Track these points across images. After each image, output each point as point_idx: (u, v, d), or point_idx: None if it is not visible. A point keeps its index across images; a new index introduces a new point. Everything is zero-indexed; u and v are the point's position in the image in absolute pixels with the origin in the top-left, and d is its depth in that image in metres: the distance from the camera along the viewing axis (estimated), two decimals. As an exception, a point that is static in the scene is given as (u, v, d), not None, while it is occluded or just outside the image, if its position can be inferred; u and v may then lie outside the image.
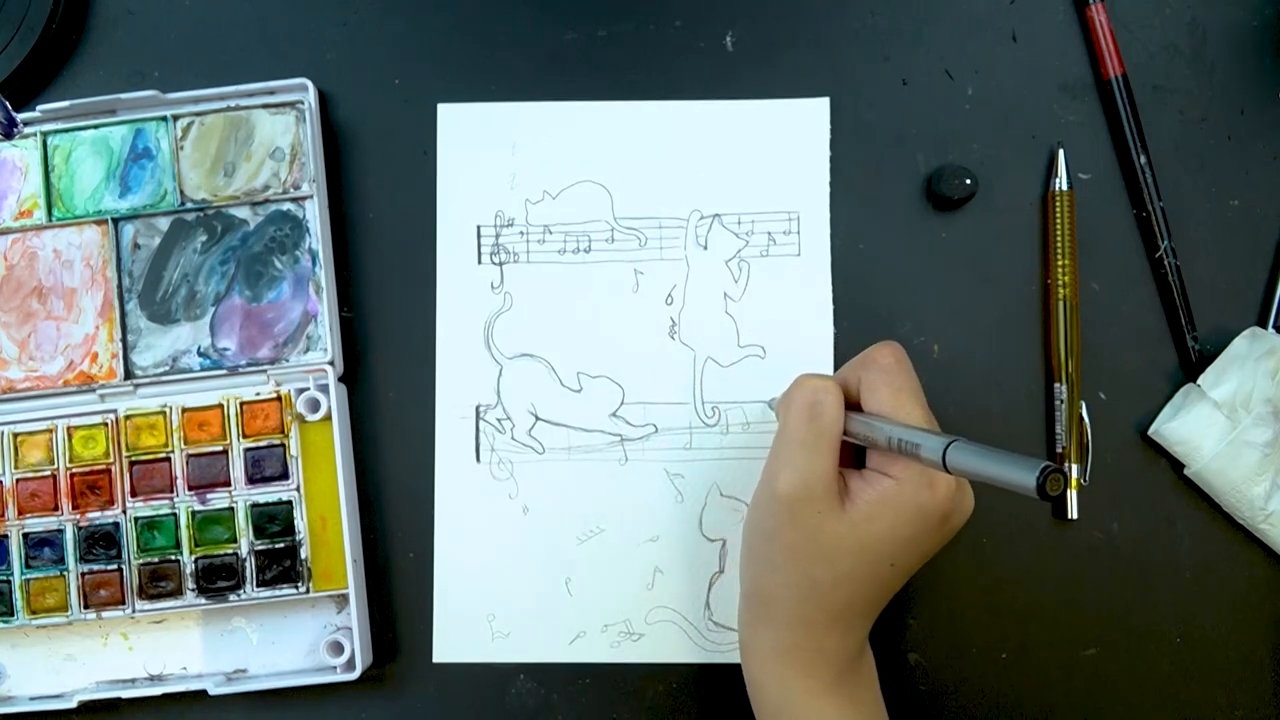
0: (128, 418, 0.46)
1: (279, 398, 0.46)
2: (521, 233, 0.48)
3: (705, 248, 0.48)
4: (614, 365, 0.47)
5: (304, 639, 0.47)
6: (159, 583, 0.46)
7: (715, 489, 0.47)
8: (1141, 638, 0.46)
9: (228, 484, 0.46)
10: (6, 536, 0.46)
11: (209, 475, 0.46)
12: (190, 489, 0.46)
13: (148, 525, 0.46)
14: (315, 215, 0.46)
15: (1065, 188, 0.47)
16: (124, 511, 0.46)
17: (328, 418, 0.45)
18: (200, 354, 0.47)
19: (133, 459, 0.46)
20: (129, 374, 0.46)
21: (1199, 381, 0.46)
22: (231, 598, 0.45)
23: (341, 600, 0.46)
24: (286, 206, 0.47)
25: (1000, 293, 0.47)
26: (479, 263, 0.48)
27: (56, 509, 0.46)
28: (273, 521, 0.46)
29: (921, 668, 0.46)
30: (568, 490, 0.47)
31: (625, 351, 0.47)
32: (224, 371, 0.46)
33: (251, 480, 0.46)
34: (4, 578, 0.46)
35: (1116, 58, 0.47)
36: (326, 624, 0.47)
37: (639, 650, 0.47)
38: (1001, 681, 0.44)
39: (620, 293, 0.48)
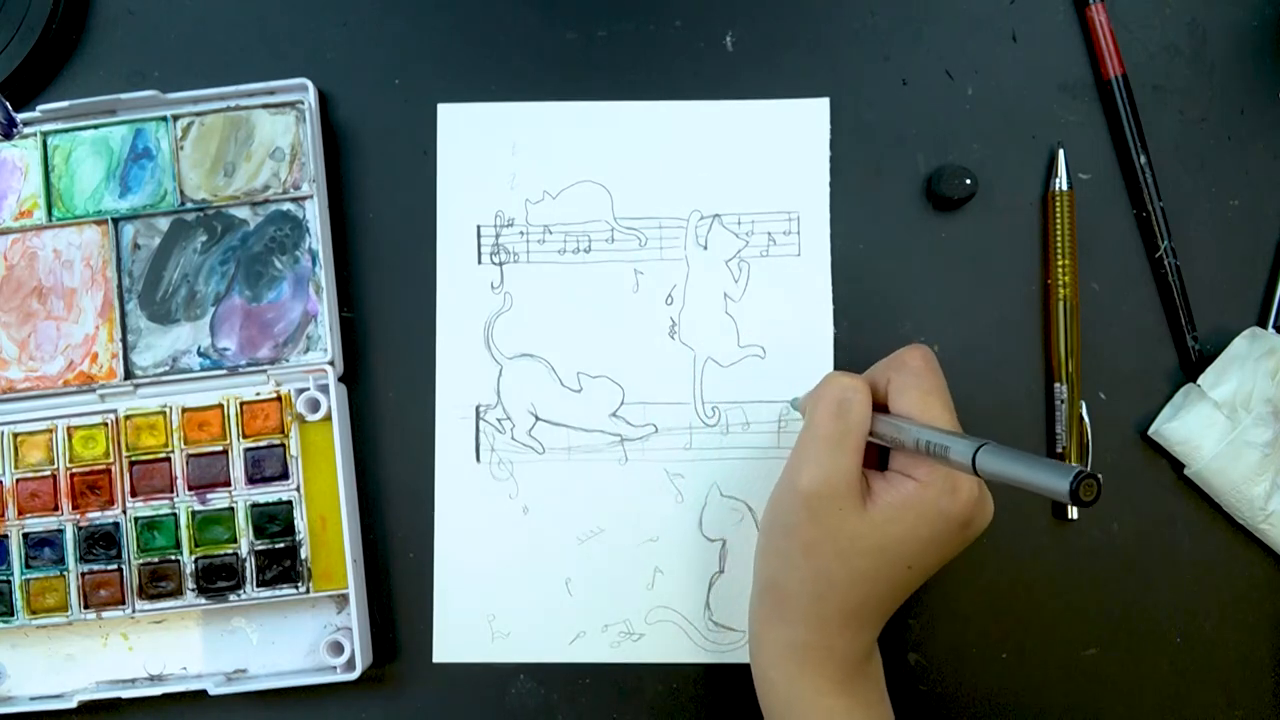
0: (128, 418, 0.46)
1: (279, 398, 0.46)
2: (521, 233, 0.48)
3: (705, 248, 0.48)
4: (614, 365, 0.47)
5: (304, 639, 0.47)
6: (159, 583, 0.46)
7: (715, 489, 0.47)
8: (1141, 638, 0.46)
9: (228, 484, 0.46)
10: (6, 536, 0.46)
11: (209, 475, 0.46)
12: (190, 489, 0.46)
13: (148, 525, 0.46)
14: (315, 215, 0.46)
15: (1065, 188, 0.47)
16: (124, 511, 0.46)
17: (328, 418, 0.46)
18: (200, 354, 0.47)
19: (133, 459, 0.46)
20: (129, 374, 0.46)
21: (1199, 381, 0.46)
22: (231, 598, 0.45)
23: (341, 600, 0.46)
24: (286, 206, 0.47)
25: (1000, 293, 0.47)
26: (479, 263, 0.48)
27: (56, 509, 0.46)
28: (273, 521, 0.46)
29: (921, 667, 0.46)
30: (568, 490, 0.47)
31: (625, 351, 0.47)
32: (224, 371, 0.46)
33: (251, 480, 0.46)
34: (4, 578, 0.46)
35: (1116, 58, 0.47)
36: (326, 624, 0.47)
37: (639, 650, 0.47)
38: (1001, 681, 0.44)
39: (620, 293, 0.48)
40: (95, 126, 0.47)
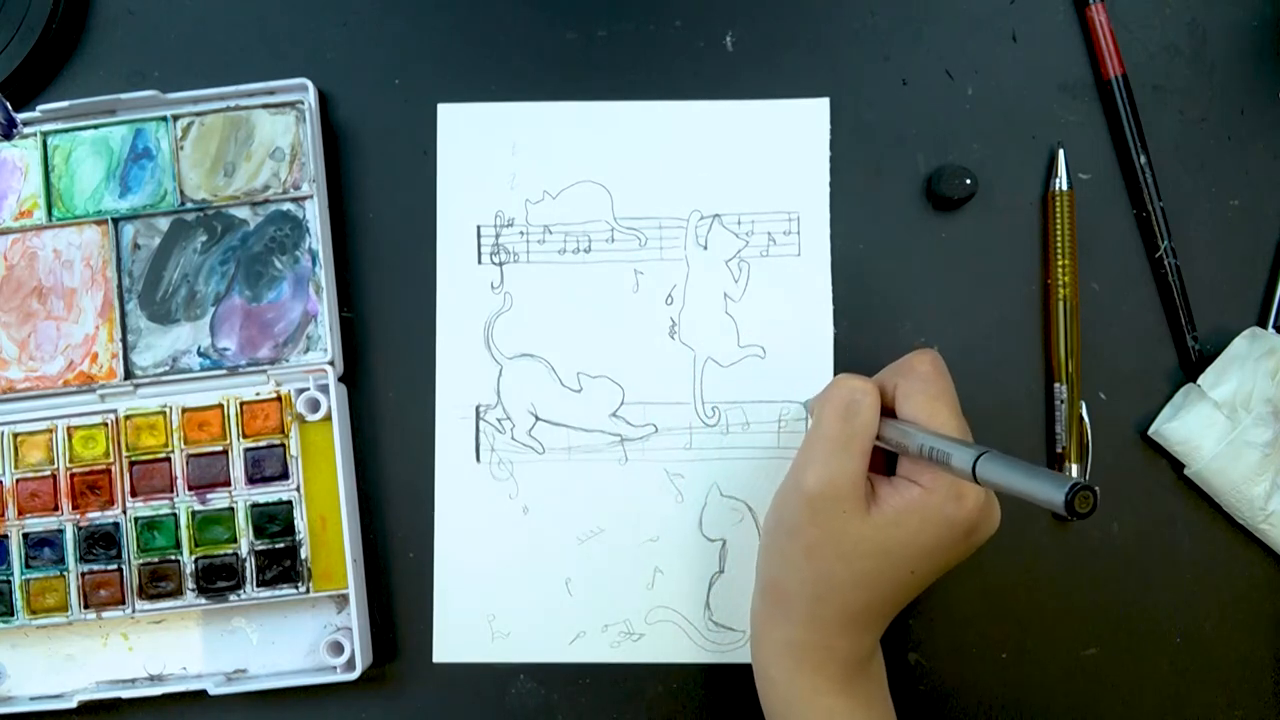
0: (128, 418, 0.46)
1: (279, 398, 0.46)
2: (521, 233, 0.48)
3: (705, 248, 0.48)
4: (614, 365, 0.47)
5: (304, 639, 0.47)
6: (159, 583, 0.46)
7: (715, 489, 0.47)
8: (1141, 638, 0.46)
9: (228, 484, 0.46)
10: (6, 536, 0.46)
11: (209, 475, 0.46)
12: (190, 489, 0.46)
13: (148, 525, 0.46)
14: (315, 215, 0.46)
15: (1065, 188, 0.47)
16: (124, 511, 0.46)
17: (328, 418, 0.45)
18: (200, 354, 0.47)
19: (133, 459, 0.46)
20: (129, 374, 0.46)
21: (1199, 381, 0.46)
22: (231, 598, 0.45)
23: (341, 600, 0.46)
24: (286, 206, 0.47)
25: (1000, 293, 0.47)
26: (479, 263, 0.48)
27: (56, 509, 0.46)
28: (273, 521, 0.46)
29: (921, 667, 0.46)
30: (568, 490, 0.47)
31: (625, 351, 0.47)
32: (224, 371, 0.46)
33: (251, 480, 0.46)
34: (4, 578, 0.46)
35: (1116, 58, 0.47)
36: (326, 624, 0.47)
37: (639, 650, 0.47)
38: (1001, 681, 0.44)
39: (620, 293, 0.48)
40: (95, 126, 0.47)
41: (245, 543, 0.46)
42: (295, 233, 0.47)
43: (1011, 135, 0.48)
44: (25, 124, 0.47)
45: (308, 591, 0.45)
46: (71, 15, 0.48)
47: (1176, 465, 0.46)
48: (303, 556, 0.45)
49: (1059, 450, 0.46)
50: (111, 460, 0.46)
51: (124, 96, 0.46)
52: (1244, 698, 0.46)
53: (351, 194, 0.48)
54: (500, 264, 0.48)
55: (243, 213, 0.47)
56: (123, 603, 0.46)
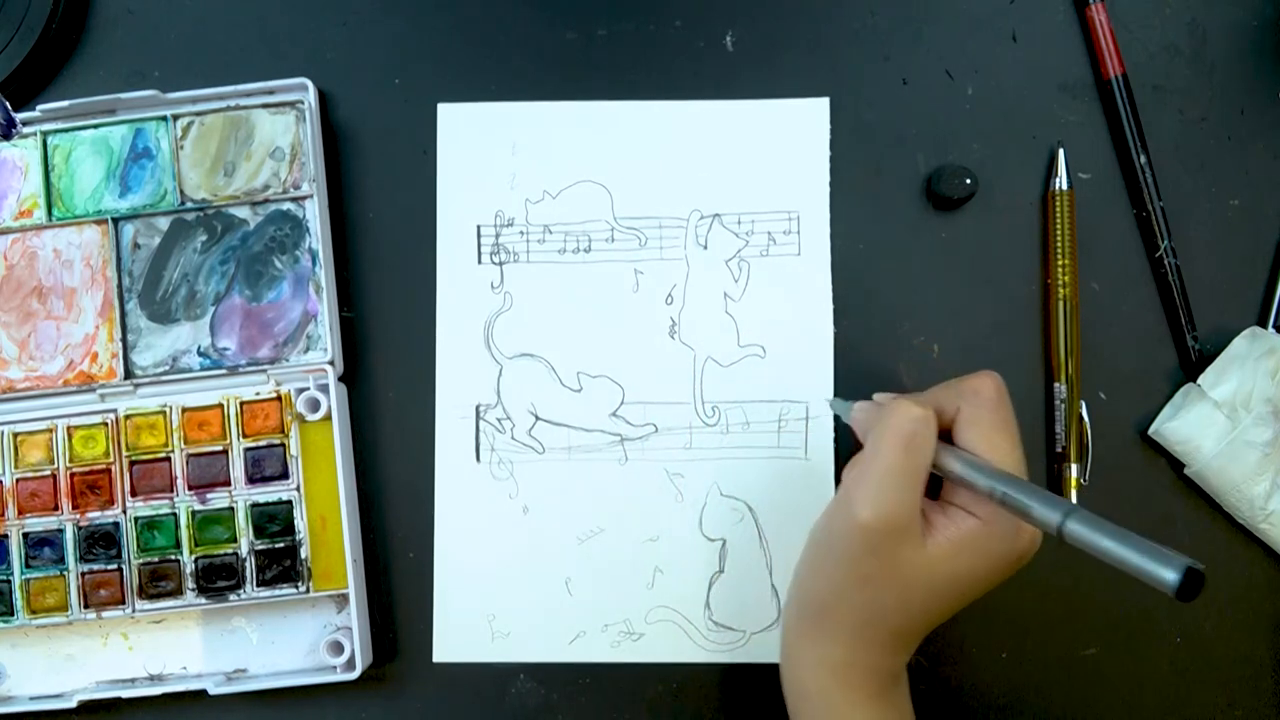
0: (128, 417, 0.46)
1: (279, 397, 0.46)
2: (521, 232, 0.48)
3: (705, 248, 0.48)
4: (614, 365, 0.47)
5: (304, 639, 0.47)
6: (159, 582, 0.46)
7: (715, 489, 0.47)
8: (1141, 638, 0.46)
9: (228, 484, 0.46)
10: (6, 536, 0.46)
11: (209, 475, 0.46)
12: (190, 489, 0.46)
13: (148, 525, 0.46)
14: (315, 215, 0.46)
15: (1065, 188, 0.47)
16: (124, 511, 0.46)
17: (328, 418, 0.46)
18: (200, 354, 0.47)
19: (133, 459, 0.46)
20: (129, 374, 0.46)
21: (1199, 381, 0.46)
22: (231, 597, 0.45)
23: (341, 600, 0.46)
24: (286, 206, 0.47)
25: (1000, 293, 0.47)
26: (479, 263, 0.48)
27: (56, 509, 0.46)
28: (273, 521, 0.46)
29: (922, 667, 0.46)
30: (568, 490, 0.47)
31: (625, 351, 0.47)
32: (224, 371, 0.46)
33: (251, 480, 0.46)
34: (4, 577, 0.46)
35: (1116, 58, 0.47)
36: (326, 624, 0.47)
37: (639, 650, 0.47)
38: (1001, 681, 0.44)
39: (620, 293, 0.48)
40: (95, 126, 0.47)
41: (245, 542, 0.46)
42: (295, 232, 0.47)
43: (1011, 135, 0.48)
44: (25, 124, 0.47)
45: (308, 591, 0.45)
46: (71, 15, 0.48)
47: (1176, 465, 0.46)
48: (303, 556, 0.45)
49: (1059, 450, 0.46)
50: (111, 460, 0.46)
51: (124, 96, 0.46)
52: (1244, 698, 0.46)
53: (351, 194, 0.48)
54: (500, 264, 0.48)
55: (243, 212, 0.47)
56: (123, 602, 0.46)
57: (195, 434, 0.46)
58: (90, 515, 0.46)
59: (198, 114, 0.47)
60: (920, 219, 0.48)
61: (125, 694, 0.46)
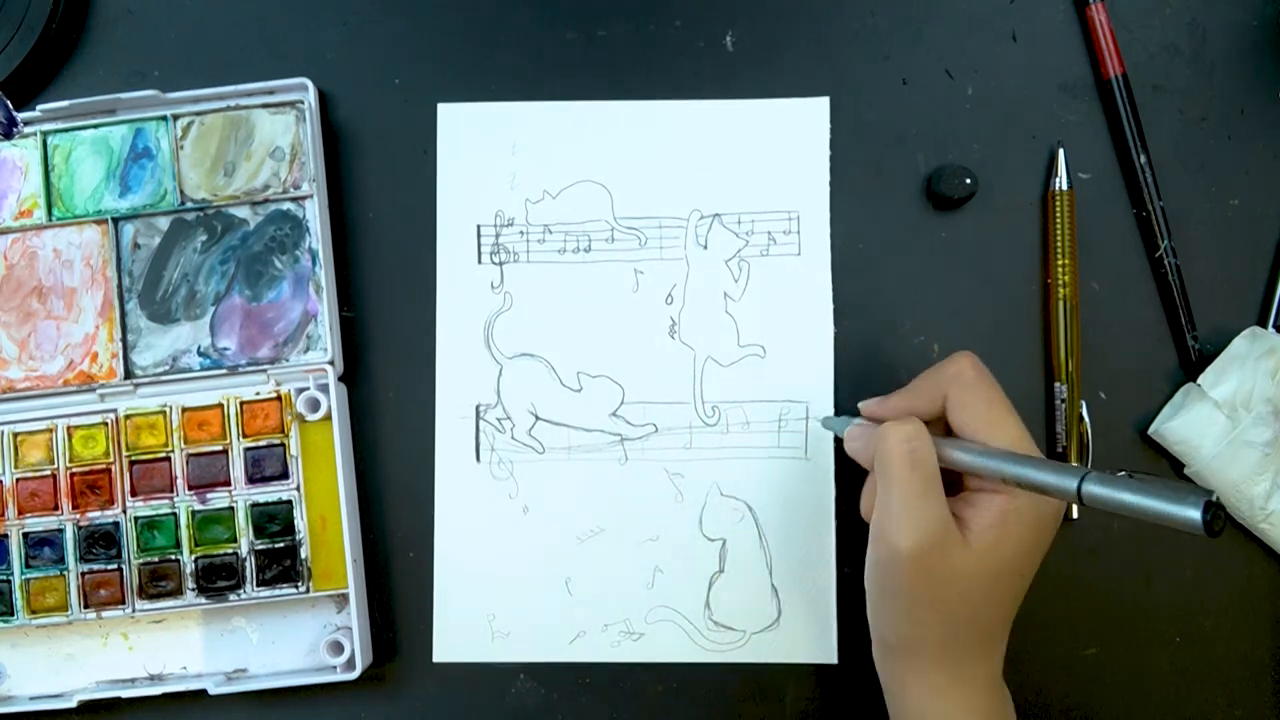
0: (128, 417, 0.46)
1: (279, 397, 0.46)
2: (521, 232, 0.48)
3: (705, 247, 0.48)
4: (614, 365, 0.47)
5: (304, 639, 0.47)
6: (159, 582, 0.46)
7: (715, 489, 0.47)
8: (1141, 638, 0.46)
9: (228, 484, 0.46)
10: (6, 536, 0.46)
11: (209, 475, 0.46)
12: (190, 489, 0.46)
13: (148, 525, 0.46)
14: (315, 215, 0.46)
15: (1065, 187, 0.47)
16: (124, 511, 0.46)
17: (328, 417, 0.45)
18: (200, 354, 0.47)
19: (133, 459, 0.46)
20: (129, 374, 0.46)
21: (1199, 381, 0.46)
22: (231, 597, 0.45)
23: (341, 600, 0.46)
24: (286, 206, 0.47)
25: (1000, 293, 0.47)
26: (479, 262, 0.48)
27: (56, 509, 0.46)
28: (273, 521, 0.46)
29: (921, 668, 0.46)
30: (568, 490, 0.47)
31: (625, 351, 0.47)
32: (224, 371, 0.46)
33: (251, 480, 0.46)
34: (4, 577, 0.46)
35: (1116, 58, 0.47)
36: (326, 624, 0.47)
37: (639, 650, 0.47)
38: (1001, 681, 0.44)
39: (620, 293, 0.48)
40: (95, 126, 0.47)
41: (245, 542, 0.46)
42: (295, 232, 0.47)
43: (1011, 135, 0.48)
44: (25, 123, 0.47)
45: (308, 591, 0.45)
46: (71, 15, 0.48)
47: (1176, 465, 0.46)
48: (303, 556, 0.45)
49: (1059, 450, 0.46)
50: (111, 460, 0.46)
51: (124, 96, 0.46)
52: (1244, 698, 0.46)
53: (351, 194, 0.48)
54: (500, 264, 0.48)
55: (243, 212, 0.47)
56: (123, 602, 0.46)
57: (195, 434, 0.46)
58: (90, 515, 0.46)
59: (198, 114, 0.47)
60: (920, 219, 0.48)
61: (125, 694, 0.46)
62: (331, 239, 0.47)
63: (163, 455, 0.46)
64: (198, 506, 0.46)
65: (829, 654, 0.46)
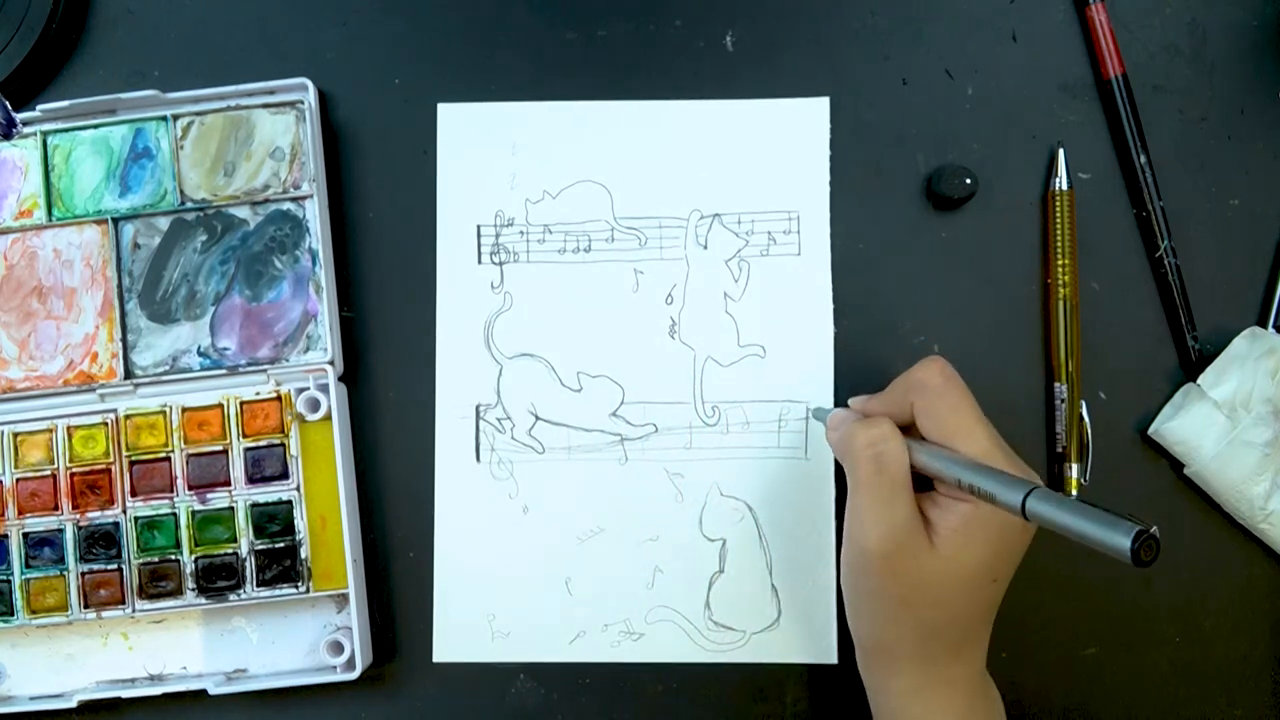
0: (128, 417, 0.46)
1: (279, 397, 0.46)
2: (521, 232, 0.48)
3: (705, 247, 0.48)
4: (614, 365, 0.47)
5: (304, 639, 0.47)
6: (159, 582, 0.46)
7: (715, 489, 0.47)
8: (1141, 637, 0.46)
9: (228, 484, 0.46)
10: (6, 536, 0.46)
11: (209, 475, 0.46)
12: (190, 489, 0.46)
13: (148, 525, 0.46)
14: (315, 215, 0.46)
15: (1065, 187, 0.47)
16: (124, 511, 0.46)
17: (328, 417, 0.45)
18: (200, 354, 0.47)
19: (133, 459, 0.46)
20: (129, 374, 0.46)
21: (1199, 381, 0.46)
22: (231, 597, 0.45)
23: (341, 600, 0.46)
24: (286, 206, 0.47)
25: (1000, 293, 0.47)
26: (479, 262, 0.48)
27: (56, 509, 0.46)
28: (273, 521, 0.46)
29: (921, 668, 0.46)
30: (568, 490, 0.47)
31: (625, 351, 0.47)
32: (224, 371, 0.46)
33: (251, 480, 0.46)
34: (4, 577, 0.46)
35: (1116, 58, 0.47)
36: (326, 624, 0.47)
37: (639, 650, 0.47)
38: (1001, 681, 0.44)
39: (620, 293, 0.48)
40: (95, 126, 0.47)
41: (245, 542, 0.46)
42: (295, 232, 0.47)
43: (1011, 135, 0.48)
44: (25, 124, 0.47)
45: (308, 591, 0.45)
46: (71, 15, 0.48)
47: (1176, 465, 0.46)
48: (303, 556, 0.45)
49: (1059, 450, 0.46)
50: (111, 460, 0.46)
51: (124, 96, 0.46)
52: (1244, 698, 0.46)
53: (351, 194, 0.48)
54: (500, 264, 0.48)
55: (243, 212, 0.47)
56: (123, 602, 0.46)
57: (195, 434, 0.46)
58: (90, 515, 0.46)
59: (198, 114, 0.47)
60: (920, 219, 0.48)
61: (125, 694, 0.46)
62: (331, 239, 0.47)
63: (163, 455, 0.46)
64: (198, 506, 0.46)
65: (829, 654, 0.46)
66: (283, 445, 0.46)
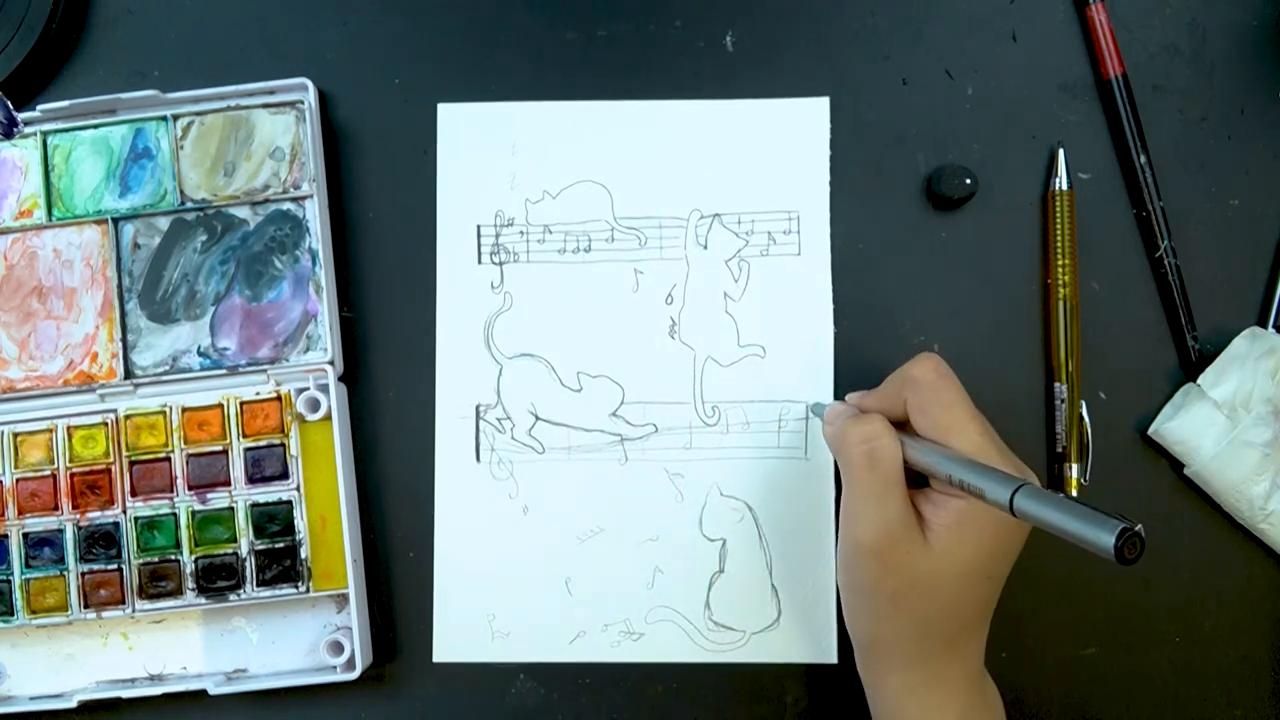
0: (128, 417, 0.46)
1: (279, 397, 0.46)
2: (521, 232, 0.48)
3: (705, 247, 0.48)
4: (614, 365, 0.47)
5: (304, 639, 0.47)
6: (159, 582, 0.46)
7: (715, 489, 0.47)
8: (1141, 637, 0.46)
9: (228, 484, 0.46)
10: (6, 536, 0.46)
11: (209, 475, 0.46)
12: (190, 489, 0.46)
13: (148, 525, 0.46)
14: (315, 215, 0.46)
15: (1065, 188, 0.47)
16: (124, 511, 0.46)
17: (328, 417, 0.45)
18: (200, 354, 0.47)
19: (133, 459, 0.46)
20: (129, 374, 0.46)
21: (1199, 381, 0.46)
22: (231, 597, 0.45)
23: (341, 600, 0.46)
24: (286, 206, 0.47)
25: (1000, 293, 0.47)
26: (479, 262, 0.48)
27: (56, 509, 0.46)
28: (273, 521, 0.46)
29: (921, 668, 0.46)
30: (568, 490, 0.47)
31: (625, 351, 0.47)
32: (224, 371, 0.46)
33: (251, 480, 0.46)
34: (4, 577, 0.46)
35: (1116, 58, 0.47)
36: (326, 624, 0.47)
37: (639, 650, 0.47)
38: (1001, 681, 0.44)
39: (620, 293, 0.48)
40: (95, 126, 0.47)
41: (245, 542, 0.46)
42: (295, 232, 0.47)
43: (1011, 135, 0.48)
44: (25, 123, 0.47)
45: (308, 591, 0.45)
46: (71, 15, 0.48)
47: (1176, 465, 0.46)
48: (303, 556, 0.45)
49: (1059, 450, 0.46)
50: (111, 460, 0.46)
51: (124, 96, 0.46)
52: (1244, 697, 0.46)
53: (351, 194, 0.48)
54: (500, 264, 0.48)
55: (243, 212, 0.47)
56: (123, 602, 0.46)
57: (195, 434, 0.46)
58: (90, 515, 0.46)
59: (198, 114, 0.47)
60: (920, 219, 0.48)
61: (125, 694, 0.46)
62: (331, 239, 0.47)
63: (163, 455, 0.46)
64: (198, 506, 0.46)
65: (829, 654, 0.46)
66: (283, 445, 0.46)
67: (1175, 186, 0.47)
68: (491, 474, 0.47)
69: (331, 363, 0.46)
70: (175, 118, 0.47)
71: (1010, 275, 0.47)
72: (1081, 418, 0.46)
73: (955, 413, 0.38)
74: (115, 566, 0.46)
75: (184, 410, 0.46)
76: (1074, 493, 0.46)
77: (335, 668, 0.45)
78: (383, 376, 0.48)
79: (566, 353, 0.48)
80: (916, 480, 0.40)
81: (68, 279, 0.47)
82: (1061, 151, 0.47)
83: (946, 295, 0.47)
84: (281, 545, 0.46)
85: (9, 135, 0.41)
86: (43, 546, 0.46)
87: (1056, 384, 0.46)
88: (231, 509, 0.46)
